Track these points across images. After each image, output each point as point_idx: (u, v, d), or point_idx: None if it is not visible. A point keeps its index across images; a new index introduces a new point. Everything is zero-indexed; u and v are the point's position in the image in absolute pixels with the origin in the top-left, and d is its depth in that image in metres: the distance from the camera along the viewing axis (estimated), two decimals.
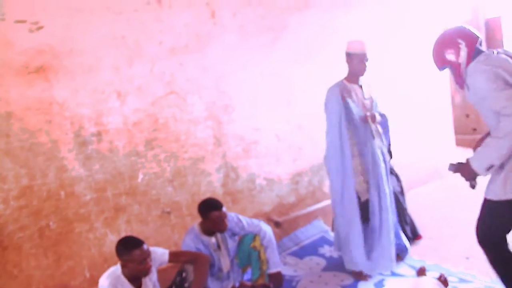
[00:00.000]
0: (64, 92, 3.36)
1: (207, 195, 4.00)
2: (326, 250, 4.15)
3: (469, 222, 4.25)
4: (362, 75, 3.59)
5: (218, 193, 4.04)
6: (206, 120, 4.00)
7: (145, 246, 2.65)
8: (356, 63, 3.52)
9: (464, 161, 2.64)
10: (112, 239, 3.55)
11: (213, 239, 3.32)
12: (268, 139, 4.40)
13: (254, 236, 3.46)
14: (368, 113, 3.54)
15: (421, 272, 3.27)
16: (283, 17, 4.51)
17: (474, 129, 7.46)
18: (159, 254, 2.89)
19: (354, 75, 3.59)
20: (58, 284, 3.37)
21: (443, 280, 3.03)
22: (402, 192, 4.19)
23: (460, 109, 7.44)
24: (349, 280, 3.56)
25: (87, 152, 3.46)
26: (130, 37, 3.63)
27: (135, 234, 3.63)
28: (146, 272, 2.67)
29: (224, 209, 3.24)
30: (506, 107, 2.37)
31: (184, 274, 3.00)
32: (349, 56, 3.55)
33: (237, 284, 3.44)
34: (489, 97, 2.48)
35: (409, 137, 5.46)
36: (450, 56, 2.71)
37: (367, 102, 3.64)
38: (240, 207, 4.17)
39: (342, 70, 3.65)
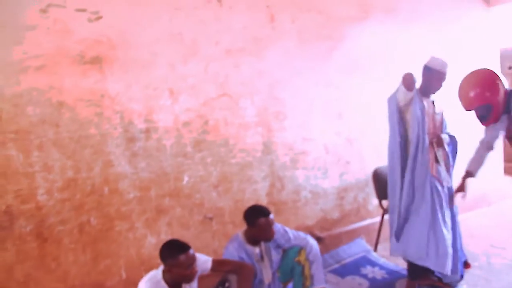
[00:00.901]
0: (117, 85, 3.27)
1: (251, 203, 3.83)
2: (369, 270, 3.95)
3: None
4: (434, 93, 3.42)
5: (262, 202, 3.89)
6: (256, 125, 3.86)
7: (191, 251, 2.52)
8: (435, 80, 3.34)
9: None
10: (151, 241, 3.44)
11: (257, 249, 3.15)
12: (317, 150, 4.24)
13: (300, 250, 3.27)
14: (434, 139, 3.40)
15: None
16: (341, 26, 4.36)
17: None
18: (202, 261, 2.74)
19: (427, 91, 3.40)
20: (93, 282, 3.26)
21: None
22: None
23: None
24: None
25: (134, 149, 3.35)
26: (187, 35, 3.53)
27: (175, 238, 3.53)
28: (191, 278, 2.53)
29: (271, 216, 3.07)
30: None
31: (227, 284, 2.84)
32: (429, 70, 3.35)
33: None
34: None
35: (459, 161, 5.21)
36: (492, 95, 3.08)
37: (438, 118, 3.45)
38: (283, 219, 4.00)
39: (396, 86, 3.44)
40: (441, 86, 3.36)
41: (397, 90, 3.29)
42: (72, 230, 3.16)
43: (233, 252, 3.05)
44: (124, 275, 3.37)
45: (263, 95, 3.90)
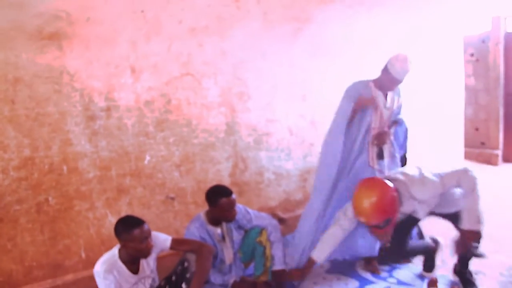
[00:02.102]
0: (76, 62, 3.20)
1: (214, 183, 3.83)
2: None
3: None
4: (386, 92, 3.41)
5: (225, 182, 3.89)
6: (219, 106, 3.84)
7: (146, 226, 2.52)
8: (389, 82, 3.31)
9: None
10: (112, 221, 3.41)
11: (218, 230, 3.16)
12: (281, 132, 4.26)
13: (261, 231, 3.28)
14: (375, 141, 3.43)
15: (432, 283, 3.13)
16: (308, 8, 4.34)
17: (483, 143, 7.31)
18: (162, 239, 2.73)
19: (380, 87, 3.39)
20: (52, 262, 3.23)
21: None
22: None
23: (470, 122, 7.29)
24: (353, 284, 3.42)
25: (95, 128, 3.30)
26: (150, 12, 3.46)
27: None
28: (147, 252, 2.54)
29: (233, 196, 3.07)
30: None
31: (186, 264, 2.83)
32: (387, 72, 3.26)
33: (238, 279, 3.29)
34: None
35: (418, 146, 5.32)
36: (393, 211, 2.87)
37: (386, 113, 3.45)
38: (246, 200, 4.02)
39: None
40: (393, 89, 3.38)
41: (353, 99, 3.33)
42: (29, 209, 3.11)
43: (194, 232, 3.06)
44: (83, 255, 3.34)
45: (227, 76, 3.87)
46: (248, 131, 4.04)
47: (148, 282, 2.69)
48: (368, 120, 3.40)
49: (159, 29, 3.51)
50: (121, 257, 2.53)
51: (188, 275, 2.79)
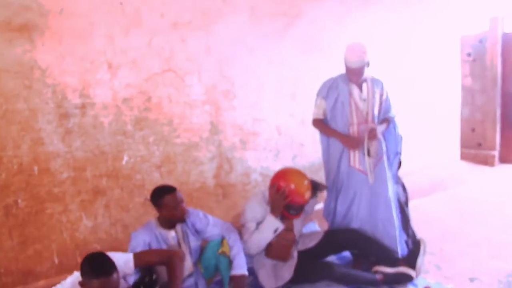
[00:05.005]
0: (48, 57, 3.02)
1: (197, 185, 3.68)
2: None
3: (474, 239, 4.03)
4: (355, 82, 3.31)
5: (209, 184, 3.72)
6: (203, 104, 3.67)
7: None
8: (349, 73, 3.30)
9: None
10: (87, 224, 3.23)
11: (172, 233, 2.87)
12: (268, 131, 4.08)
13: (222, 241, 3.02)
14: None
15: None
16: (298, 3, 4.18)
17: (479, 144, 7.17)
18: (121, 263, 2.35)
19: (349, 78, 3.34)
20: (22, 268, 3.04)
21: None
22: (406, 203, 3.87)
23: (466, 123, 7.15)
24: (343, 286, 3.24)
25: (68, 126, 3.12)
26: (129, 5, 3.29)
27: (113, 221, 3.34)
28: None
29: (179, 193, 2.82)
30: None
31: (154, 276, 2.58)
32: (344, 63, 3.28)
33: None
34: None
35: (415, 146, 5.16)
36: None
37: (363, 106, 3.33)
38: (231, 202, 3.85)
39: None
40: (355, 79, 3.29)
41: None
42: None
43: (138, 238, 2.75)
44: (56, 260, 3.15)
45: (212, 73, 3.70)
46: (234, 130, 3.86)
47: None
48: (346, 115, 3.32)
49: (138, 23, 3.34)
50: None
51: None
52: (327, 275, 3.14)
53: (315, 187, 3.26)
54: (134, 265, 2.42)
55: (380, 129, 3.33)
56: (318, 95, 3.45)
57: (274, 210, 3.08)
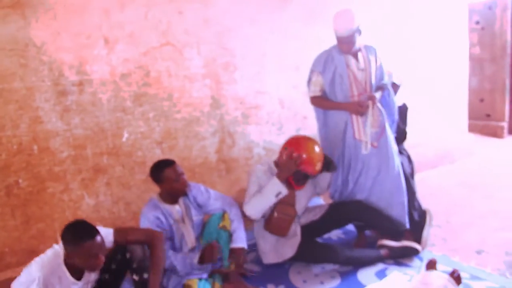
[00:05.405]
0: (43, 33, 2.95)
1: (199, 161, 3.64)
2: None
3: (481, 211, 3.98)
4: (348, 53, 3.19)
5: (211, 159, 3.67)
6: (204, 78, 3.59)
7: (98, 238, 2.13)
8: (339, 43, 3.16)
9: None
10: (89, 202, 3.21)
11: (176, 207, 2.88)
12: (271, 104, 4.00)
13: (223, 215, 3.01)
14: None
15: (431, 265, 2.91)
16: None
17: (488, 115, 7.04)
18: (103, 234, 2.22)
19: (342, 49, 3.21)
20: (25, 248, 3.03)
21: (456, 276, 2.66)
22: (412, 175, 3.81)
23: (475, 93, 7.00)
24: (347, 267, 3.21)
25: (66, 103, 3.07)
26: None
27: (115, 199, 3.31)
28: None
29: (178, 167, 2.80)
30: None
31: (128, 255, 2.48)
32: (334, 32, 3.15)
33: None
34: None
35: (421, 117, 5.07)
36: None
37: (361, 76, 3.21)
38: (234, 177, 3.81)
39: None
40: (346, 49, 3.15)
41: None
42: None
43: (147, 213, 2.77)
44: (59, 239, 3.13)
45: (211, 45, 3.61)
46: (235, 104, 3.78)
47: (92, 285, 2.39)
48: (346, 88, 3.21)
49: None
50: (65, 261, 2.20)
51: (134, 265, 2.50)
52: (331, 259, 3.10)
53: (328, 163, 3.17)
54: (114, 240, 2.36)
55: (377, 97, 3.25)
56: (313, 71, 3.31)
57: (281, 173, 2.94)
